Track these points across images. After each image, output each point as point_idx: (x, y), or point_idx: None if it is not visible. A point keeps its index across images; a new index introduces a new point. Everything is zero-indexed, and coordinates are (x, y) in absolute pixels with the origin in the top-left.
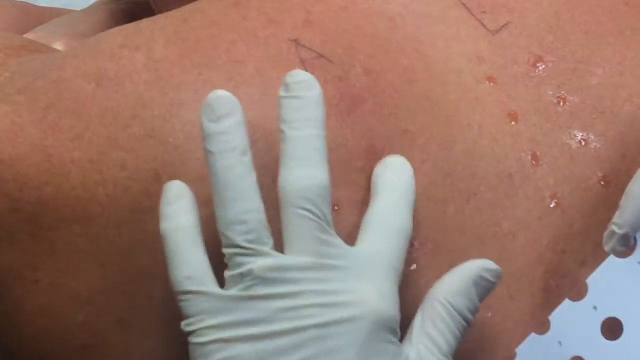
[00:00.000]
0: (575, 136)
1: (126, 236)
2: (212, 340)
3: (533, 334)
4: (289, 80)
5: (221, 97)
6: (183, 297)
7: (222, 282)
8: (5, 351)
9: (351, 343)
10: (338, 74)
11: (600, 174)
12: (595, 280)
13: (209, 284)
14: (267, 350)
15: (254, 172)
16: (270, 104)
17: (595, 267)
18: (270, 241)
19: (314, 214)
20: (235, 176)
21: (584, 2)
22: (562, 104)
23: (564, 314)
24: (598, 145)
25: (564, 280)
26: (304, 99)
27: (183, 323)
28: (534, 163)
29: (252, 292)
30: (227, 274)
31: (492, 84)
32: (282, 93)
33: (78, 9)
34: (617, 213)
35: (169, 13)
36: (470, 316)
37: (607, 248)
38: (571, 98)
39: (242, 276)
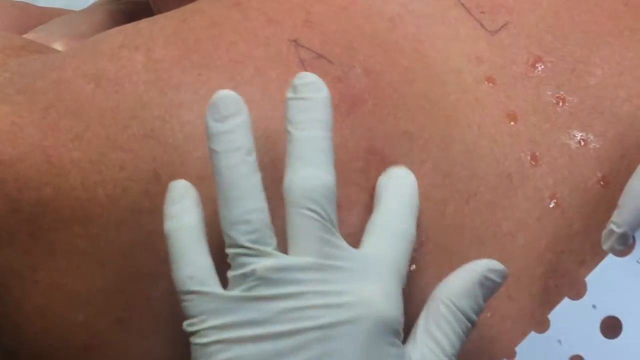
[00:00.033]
0: (574, 136)
1: (125, 236)
2: (214, 340)
3: (532, 333)
4: (296, 82)
5: (226, 96)
6: (185, 297)
7: (225, 282)
8: (5, 351)
9: (354, 344)
10: (337, 75)
11: (599, 174)
12: (594, 279)
13: (212, 284)
14: (270, 351)
15: (258, 172)
16: (270, 104)
17: (594, 266)
18: (274, 241)
19: (318, 214)
20: (239, 175)
21: (582, 2)
22: (561, 104)
23: (563, 312)
24: (597, 146)
25: (563, 280)
26: (311, 100)
27: (185, 323)
28: (533, 163)
29: (254, 293)
30: (230, 274)
31: (491, 84)
32: (289, 94)
33: (78, 9)
34: (616, 212)
35: (168, 13)
36: (474, 317)
37: (605, 247)
38: (570, 98)
39: (245, 276)
